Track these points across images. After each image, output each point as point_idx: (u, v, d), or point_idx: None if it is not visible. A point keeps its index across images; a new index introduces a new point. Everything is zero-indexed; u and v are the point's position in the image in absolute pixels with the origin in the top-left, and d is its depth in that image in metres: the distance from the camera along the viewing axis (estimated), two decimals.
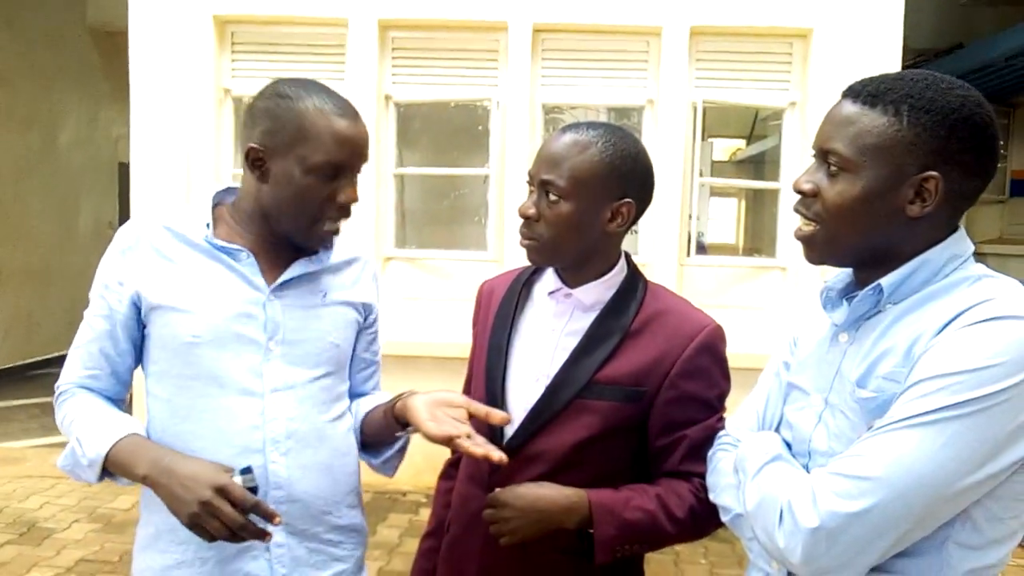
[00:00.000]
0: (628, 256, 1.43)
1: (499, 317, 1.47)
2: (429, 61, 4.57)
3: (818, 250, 1.13)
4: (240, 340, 1.32)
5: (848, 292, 1.16)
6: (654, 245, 4.48)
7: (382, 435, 1.45)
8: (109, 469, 1.27)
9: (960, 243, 1.08)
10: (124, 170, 4.67)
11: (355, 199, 1.33)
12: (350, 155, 1.30)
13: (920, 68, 1.11)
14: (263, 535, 1.18)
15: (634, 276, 1.41)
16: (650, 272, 4.38)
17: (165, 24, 4.43)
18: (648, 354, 1.34)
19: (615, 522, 1.28)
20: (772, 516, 1.03)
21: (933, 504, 0.96)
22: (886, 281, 1.07)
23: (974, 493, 0.97)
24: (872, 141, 1.05)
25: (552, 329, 1.40)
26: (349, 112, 1.31)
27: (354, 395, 1.54)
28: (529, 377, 1.39)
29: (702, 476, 1.32)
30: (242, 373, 1.32)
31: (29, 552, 3.68)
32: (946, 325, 0.99)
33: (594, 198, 1.31)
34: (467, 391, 1.52)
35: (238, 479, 1.18)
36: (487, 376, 1.43)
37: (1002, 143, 7.06)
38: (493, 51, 4.53)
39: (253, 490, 1.18)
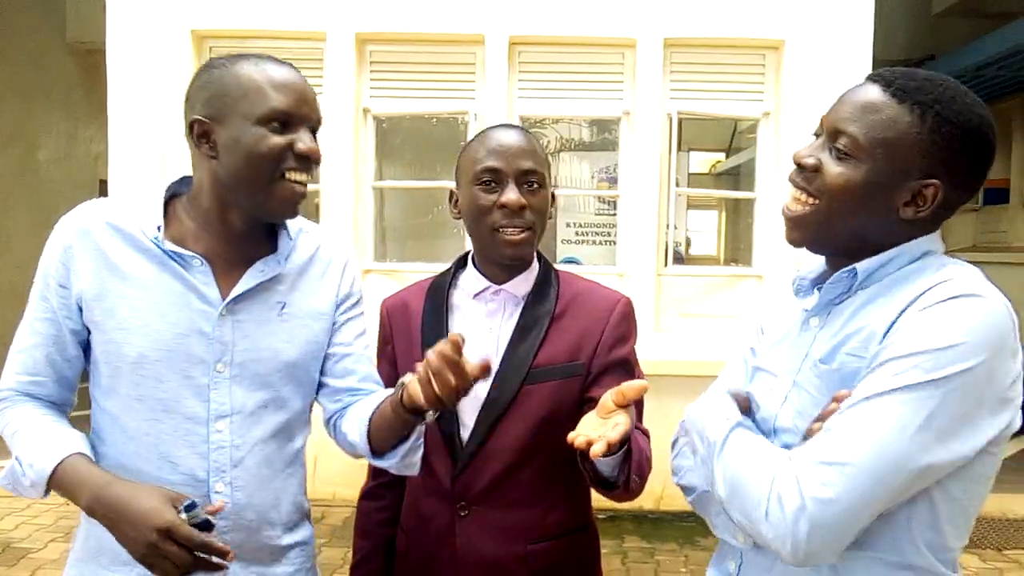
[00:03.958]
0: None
1: (429, 326, 1.47)
2: (407, 74, 4.59)
3: (810, 230, 1.12)
4: (189, 360, 1.25)
5: (820, 282, 1.18)
6: (631, 255, 4.50)
7: (396, 433, 1.30)
8: (53, 487, 1.20)
9: (934, 242, 1.11)
10: (104, 187, 4.64)
11: (316, 151, 1.25)
12: (296, 102, 1.23)
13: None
14: (217, 569, 1.13)
15: (547, 266, 1.52)
16: (628, 282, 4.41)
17: (143, 40, 4.43)
18: (576, 331, 1.43)
19: (638, 447, 1.28)
20: (754, 506, 1.01)
21: (907, 482, 0.97)
22: (861, 266, 1.09)
23: (942, 471, 0.99)
24: (890, 136, 1.04)
25: (489, 328, 1.45)
26: (286, 65, 1.27)
27: (340, 391, 1.41)
28: None
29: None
30: (188, 398, 1.26)
31: (5, 573, 3.64)
32: (911, 303, 1.01)
33: (549, 179, 1.49)
34: None
35: (184, 515, 1.11)
36: None
37: None
38: (470, 64, 4.57)
39: (202, 524, 1.12)
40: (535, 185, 1.41)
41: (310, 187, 1.30)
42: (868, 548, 1.04)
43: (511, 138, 1.44)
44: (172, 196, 1.33)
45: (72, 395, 1.35)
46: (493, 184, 1.40)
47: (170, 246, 1.26)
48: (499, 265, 1.45)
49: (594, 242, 5.03)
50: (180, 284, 1.26)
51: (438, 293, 1.50)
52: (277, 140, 1.22)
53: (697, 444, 1.15)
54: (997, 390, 0.98)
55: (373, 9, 4.45)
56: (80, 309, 1.27)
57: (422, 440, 1.33)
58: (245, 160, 1.22)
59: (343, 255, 1.43)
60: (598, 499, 1.50)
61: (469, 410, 1.41)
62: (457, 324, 1.46)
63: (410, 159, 5.30)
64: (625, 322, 1.47)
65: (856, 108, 1.07)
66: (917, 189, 1.05)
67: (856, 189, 1.06)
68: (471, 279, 1.48)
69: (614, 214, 4.77)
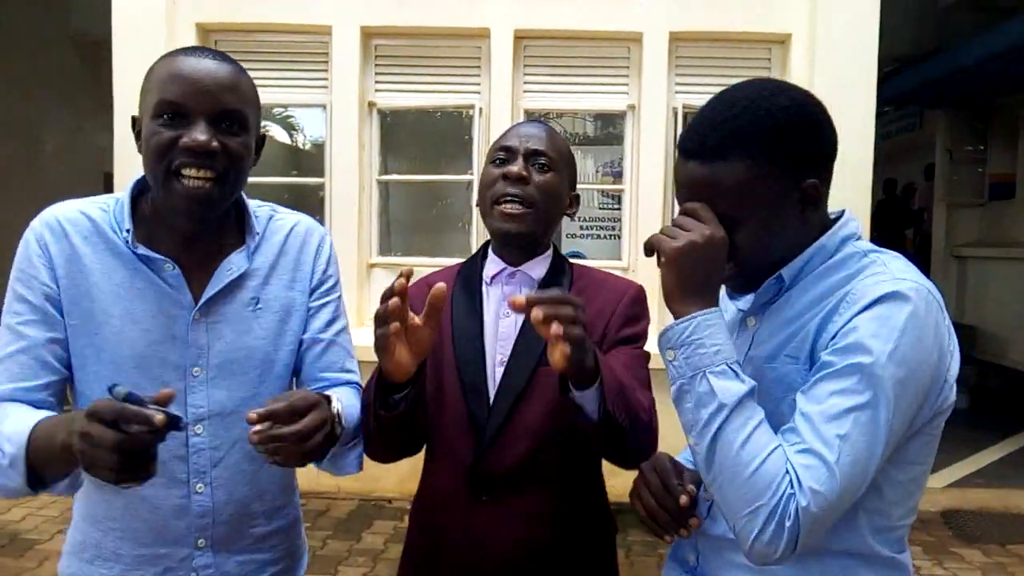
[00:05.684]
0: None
1: (460, 305, 1.48)
2: (412, 68, 4.59)
3: (746, 286, 1.18)
4: (164, 366, 1.23)
5: None
6: (636, 249, 4.50)
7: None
8: (37, 468, 1.09)
9: (848, 226, 1.15)
10: (109, 180, 4.66)
11: (203, 143, 1.16)
12: (185, 93, 1.16)
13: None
14: (164, 426, 0.95)
15: (559, 254, 1.53)
16: (633, 276, 4.41)
17: (148, 33, 4.41)
18: (590, 314, 1.38)
19: (613, 375, 1.26)
20: (755, 516, 1.00)
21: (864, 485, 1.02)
22: (787, 272, 1.13)
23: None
24: (746, 191, 1.07)
25: (507, 312, 1.45)
26: (199, 53, 1.21)
27: (311, 380, 1.37)
28: (498, 362, 1.43)
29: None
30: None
31: (11, 564, 3.66)
32: (840, 304, 1.04)
33: (567, 174, 1.50)
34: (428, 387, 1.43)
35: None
36: (461, 367, 1.43)
37: (981, 147, 7.06)
38: (476, 58, 4.56)
39: (135, 399, 0.96)
40: (544, 167, 1.44)
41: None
42: (819, 540, 1.05)
43: (530, 127, 1.50)
44: (139, 192, 1.29)
45: (60, 409, 1.25)
46: (503, 161, 1.45)
47: (142, 250, 1.23)
48: (504, 242, 1.47)
49: (598, 236, 5.01)
50: (152, 289, 1.24)
51: (469, 275, 1.52)
52: (166, 134, 1.16)
53: (686, 376, 1.05)
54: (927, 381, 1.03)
55: (378, 2, 4.44)
56: (62, 308, 1.22)
57: (355, 443, 1.32)
58: (146, 156, 1.20)
59: (318, 235, 1.39)
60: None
61: (493, 393, 1.41)
62: (483, 308, 1.48)
63: (415, 153, 5.29)
64: (637, 305, 1.48)
65: (699, 191, 1.09)
66: (801, 195, 1.09)
67: (762, 238, 1.10)
68: (490, 263, 1.51)
69: (618, 208, 4.77)
